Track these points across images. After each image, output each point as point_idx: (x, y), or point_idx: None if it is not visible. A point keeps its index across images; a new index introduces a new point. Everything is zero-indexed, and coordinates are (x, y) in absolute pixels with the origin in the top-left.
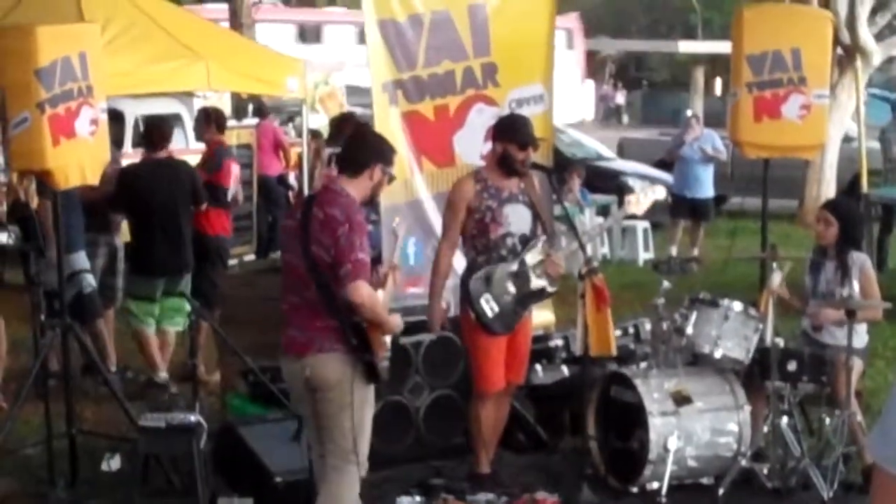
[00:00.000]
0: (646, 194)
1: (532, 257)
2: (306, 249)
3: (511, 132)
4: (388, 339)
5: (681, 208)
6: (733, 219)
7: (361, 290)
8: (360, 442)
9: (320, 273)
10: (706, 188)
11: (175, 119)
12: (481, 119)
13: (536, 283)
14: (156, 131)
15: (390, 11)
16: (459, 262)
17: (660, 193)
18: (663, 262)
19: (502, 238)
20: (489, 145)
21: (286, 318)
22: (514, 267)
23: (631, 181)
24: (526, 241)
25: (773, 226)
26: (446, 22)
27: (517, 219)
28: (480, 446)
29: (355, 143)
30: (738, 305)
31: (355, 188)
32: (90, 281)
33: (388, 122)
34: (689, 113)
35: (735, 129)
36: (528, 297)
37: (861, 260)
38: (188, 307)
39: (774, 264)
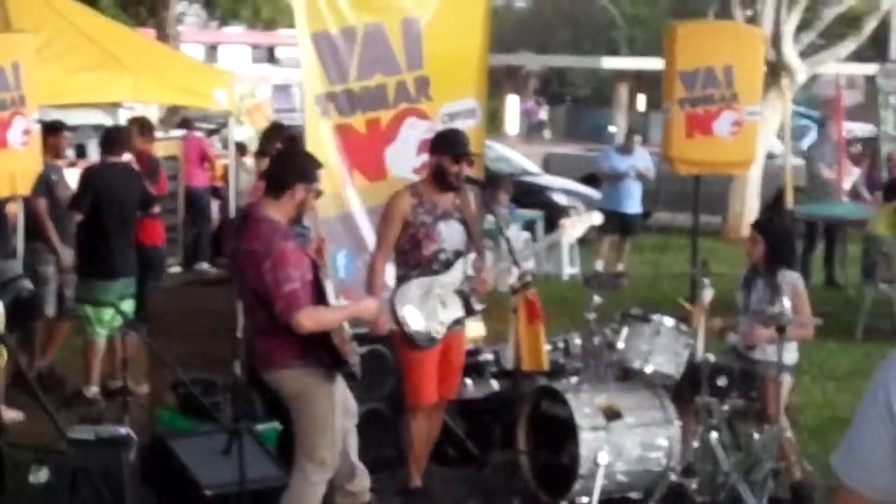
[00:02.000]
0: (581, 220)
1: (461, 273)
2: (243, 279)
3: (445, 145)
4: (348, 330)
5: (610, 223)
6: (658, 235)
7: (303, 322)
8: (323, 446)
9: (262, 297)
10: (636, 203)
11: (100, 130)
12: (413, 133)
13: (463, 298)
14: (116, 136)
15: (323, 24)
16: (392, 276)
17: (596, 219)
18: (594, 277)
19: (435, 254)
20: (421, 159)
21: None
22: (442, 281)
23: (557, 196)
24: (458, 258)
25: (700, 242)
26: (379, 35)
27: (450, 235)
28: (412, 460)
29: (277, 164)
30: (669, 321)
31: (279, 210)
32: (26, 285)
33: (320, 135)
34: (611, 129)
35: (667, 145)
36: (453, 313)
37: (792, 278)
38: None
39: (706, 280)
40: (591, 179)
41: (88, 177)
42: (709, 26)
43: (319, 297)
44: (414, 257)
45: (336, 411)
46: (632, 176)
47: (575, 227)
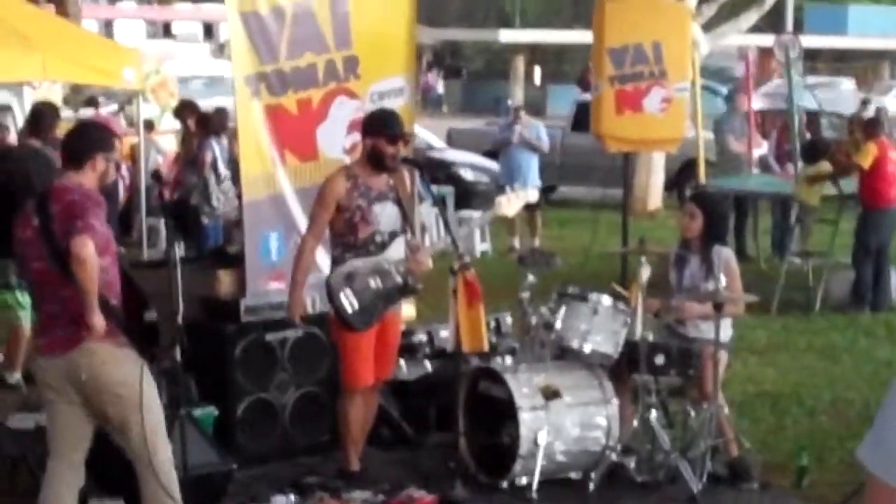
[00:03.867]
0: (517, 195)
1: (397, 253)
2: (56, 247)
3: (380, 126)
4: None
5: None
6: (562, 209)
7: (88, 246)
8: (159, 433)
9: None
10: (534, 177)
11: (5, 110)
12: (343, 112)
13: (400, 279)
14: (43, 118)
15: (252, 4)
16: (326, 259)
17: (532, 196)
18: (528, 256)
19: (371, 236)
20: (351, 139)
21: (44, 326)
22: (378, 262)
23: (463, 171)
24: (393, 238)
25: (605, 216)
26: (308, 14)
27: (386, 217)
28: (349, 443)
29: (73, 136)
30: (607, 300)
31: (83, 180)
32: None
33: (251, 116)
34: (510, 102)
35: (597, 123)
36: (391, 294)
37: (727, 254)
38: None
39: (643, 258)
40: (494, 154)
41: (7, 156)
42: (637, 2)
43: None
44: (349, 240)
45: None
46: (517, 141)
47: (511, 202)
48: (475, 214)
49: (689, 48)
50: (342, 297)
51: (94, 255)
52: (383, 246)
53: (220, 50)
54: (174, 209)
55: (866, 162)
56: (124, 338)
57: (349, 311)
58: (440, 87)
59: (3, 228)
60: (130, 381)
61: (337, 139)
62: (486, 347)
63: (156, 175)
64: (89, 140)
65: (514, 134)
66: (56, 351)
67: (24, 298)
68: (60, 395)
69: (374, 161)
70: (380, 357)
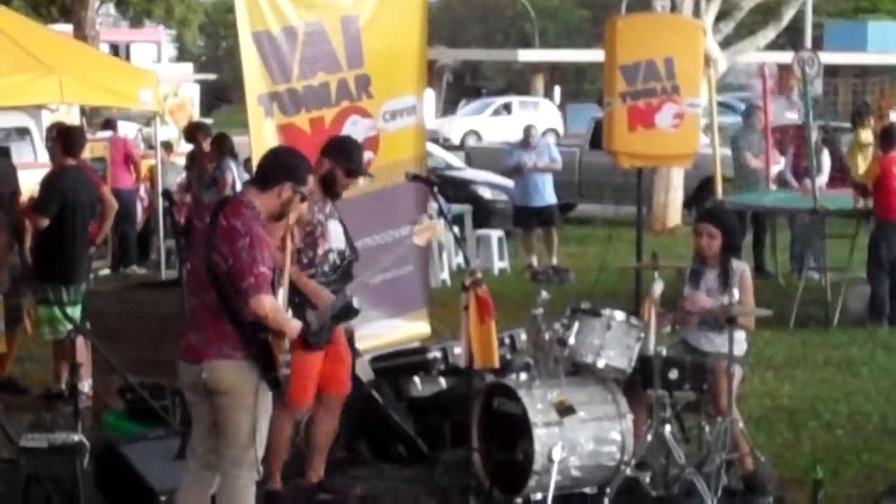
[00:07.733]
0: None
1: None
2: (208, 255)
3: (344, 154)
4: (286, 344)
5: (527, 218)
6: (581, 226)
7: (265, 304)
8: (258, 447)
9: (218, 280)
10: (548, 196)
11: (23, 133)
12: (356, 131)
13: (350, 300)
14: (75, 139)
15: (264, 24)
16: None
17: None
18: (541, 273)
19: (326, 254)
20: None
21: (190, 320)
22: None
23: (481, 190)
24: (342, 258)
25: (622, 233)
26: (320, 34)
27: (336, 235)
28: (276, 462)
29: (269, 158)
30: (620, 315)
31: (263, 202)
32: None
33: (264, 135)
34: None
35: (609, 139)
36: (341, 314)
37: (741, 268)
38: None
39: (656, 273)
40: None
41: (55, 180)
42: (648, 18)
43: None
44: (307, 256)
45: (267, 414)
46: (530, 169)
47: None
48: (494, 233)
49: (701, 63)
50: (309, 314)
51: (272, 308)
52: (335, 265)
53: None
54: (187, 230)
55: (868, 178)
56: (250, 353)
57: (314, 327)
58: None
59: (58, 250)
60: (241, 388)
61: None
62: (497, 364)
63: (166, 195)
64: (281, 166)
65: (526, 162)
66: (189, 359)
67: (70, 312)
68: (191, 399)
69: (326, 185)
70: (335, 372)
